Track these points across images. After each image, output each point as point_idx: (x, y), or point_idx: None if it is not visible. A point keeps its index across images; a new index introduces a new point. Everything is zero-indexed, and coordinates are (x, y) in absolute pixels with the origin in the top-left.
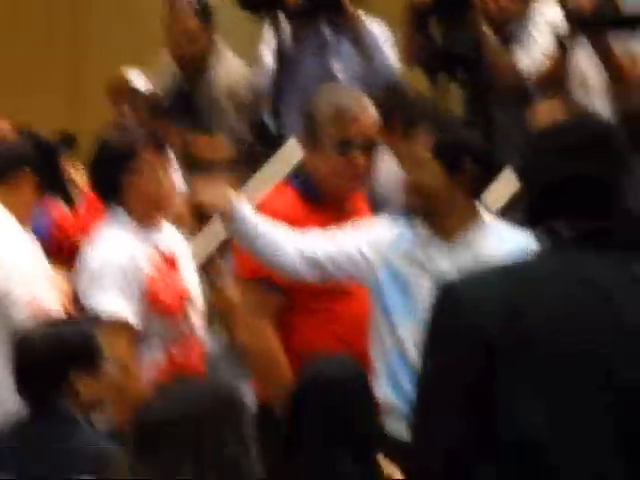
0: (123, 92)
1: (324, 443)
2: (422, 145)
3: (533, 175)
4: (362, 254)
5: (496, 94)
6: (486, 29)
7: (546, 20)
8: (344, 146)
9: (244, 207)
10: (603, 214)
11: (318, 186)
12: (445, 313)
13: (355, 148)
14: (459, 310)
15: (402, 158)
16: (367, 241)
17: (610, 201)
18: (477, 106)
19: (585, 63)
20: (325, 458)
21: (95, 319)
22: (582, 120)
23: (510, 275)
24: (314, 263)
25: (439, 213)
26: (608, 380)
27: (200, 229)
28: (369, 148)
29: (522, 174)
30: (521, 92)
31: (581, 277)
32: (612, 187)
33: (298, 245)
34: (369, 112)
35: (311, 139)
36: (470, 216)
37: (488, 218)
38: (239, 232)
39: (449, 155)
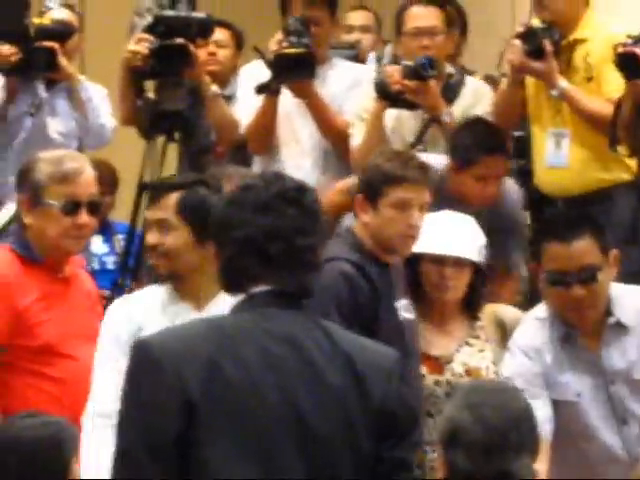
0: None
1: None
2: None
3: (228, 231)
4: None
5: (213, 153)
6: (207, 83)
7: (250, 73)
8: (70, 206)
9: None
10: (295, 271)
11: (36, 246)
12: (145, 370)
13: (81, 207)
14: (159, 368)
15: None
16: None
17: (300, 259)
18: (193, 166)
19: (290, 112)
20: None
21: None
22: (274, 177)
23: (209, 332)
24: None
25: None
26: (302, 431)
27: None
28: (93, 207)
29: (216, 231)
30: (239, 149)
31: (275, 333)
32: (305, 245)
33: None
34: (89, 171)
35: (32, 201)
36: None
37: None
38: None
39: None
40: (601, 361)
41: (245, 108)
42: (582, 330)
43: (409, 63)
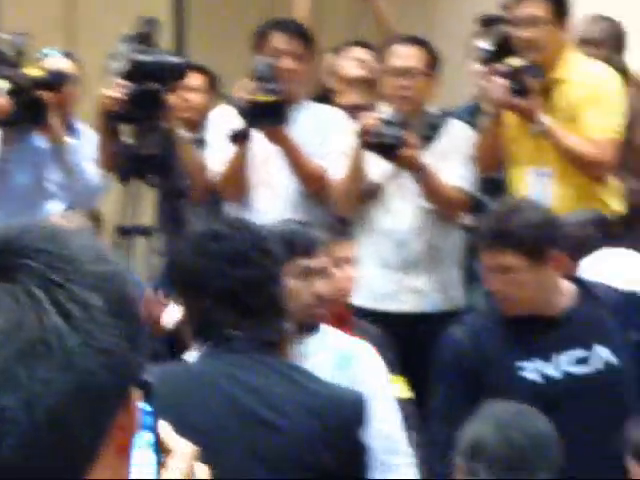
0: None
1: None
2: None
3: (203, 282)
4: None
5: (188, 197)
6: (178, 128)
7: (219, 117)
8: None
9: None
10: (271, 318)
11: None
12: None
13: None
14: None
15: None
16: None
17: (275, 306)
18: (168, 210)
19: (268, 157)
20: None
21: None
22: (243, 225)
23: (179, 378)
24: None
25: None
26: None
27: None
28: None
29: (184, 279)
30: (211, 194)
31: (243, 382)
32: (277, 293)
33: None
34: None
35: None
36: None
37: None
38: None
39: None
40: None
41: (215, 154)
42: None
43: (387, 117)
